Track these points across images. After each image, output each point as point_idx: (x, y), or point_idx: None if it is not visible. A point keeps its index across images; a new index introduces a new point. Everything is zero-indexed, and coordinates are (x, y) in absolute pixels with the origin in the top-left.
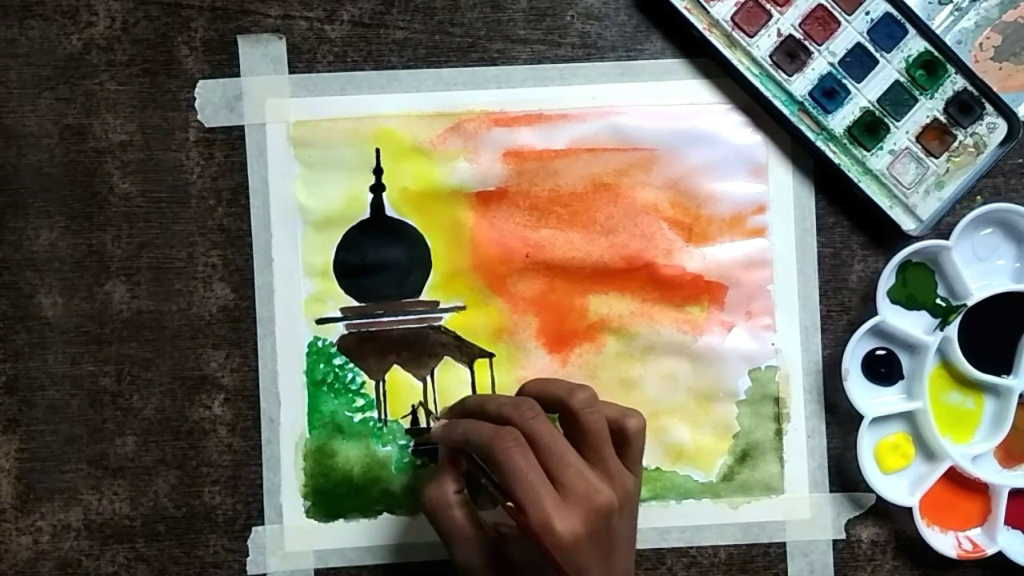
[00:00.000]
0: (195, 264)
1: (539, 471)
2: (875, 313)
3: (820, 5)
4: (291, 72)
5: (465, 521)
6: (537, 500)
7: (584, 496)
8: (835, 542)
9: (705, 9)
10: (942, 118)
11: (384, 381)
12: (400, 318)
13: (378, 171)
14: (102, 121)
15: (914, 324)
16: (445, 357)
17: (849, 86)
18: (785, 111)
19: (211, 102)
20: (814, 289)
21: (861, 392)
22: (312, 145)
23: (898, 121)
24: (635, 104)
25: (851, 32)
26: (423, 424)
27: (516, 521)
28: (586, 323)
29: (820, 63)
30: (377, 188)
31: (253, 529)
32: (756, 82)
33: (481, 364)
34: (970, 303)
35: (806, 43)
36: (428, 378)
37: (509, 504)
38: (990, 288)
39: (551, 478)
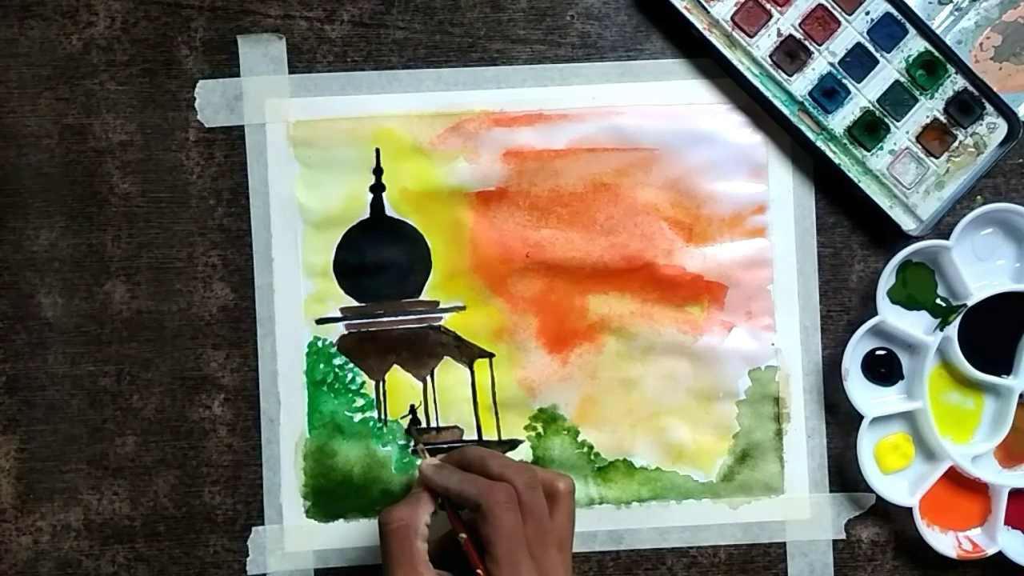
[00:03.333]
0: (195, 264)
1: (523, 539)
2: (875, 313)
3: (820, 5)
4: (291, 72)
5: (422, 557)
6: (515, 568)
7: None
8: (835, 542)
9: (705, 9)
10: (942, 118)
11: (384, 381)
12: (400, 318)
13: (378, 171)
14: (102, 121)
15: (914, 324)
16: (445, 357)
17: (849, 86)
18: (785, 111)
19: (211, 102)
20: (814, 289)
21: (861, 392)
22: (312, 145)
23: (898, 121)
24: (635, 104)
25: (851, 32)
26: (423, 424)
27: None
28: (586, 323)
29: (820, 63)
30: (377, 188)
31: (253, 529)
32: (756, 82)
33: (481, 364)
34: (970, 303)
35: (806, 43)
36: (428, 378)
37: (479, 572)
38: (990, 288)
39: (531, 552)
